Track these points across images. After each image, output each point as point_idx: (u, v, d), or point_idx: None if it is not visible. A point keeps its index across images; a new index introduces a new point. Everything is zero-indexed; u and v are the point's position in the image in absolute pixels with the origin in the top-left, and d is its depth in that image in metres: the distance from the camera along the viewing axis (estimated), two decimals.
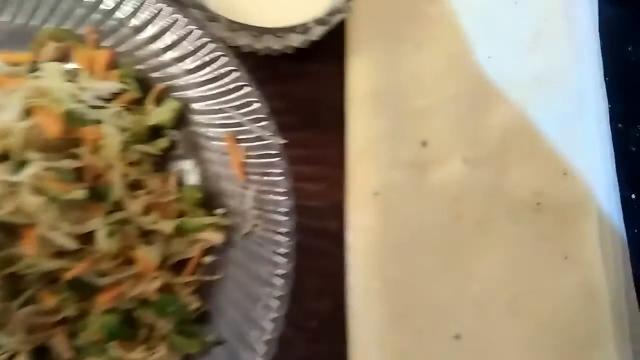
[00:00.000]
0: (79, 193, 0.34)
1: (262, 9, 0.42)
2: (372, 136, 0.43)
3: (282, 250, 0.37)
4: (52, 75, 0.40)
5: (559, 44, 0.47)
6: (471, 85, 0.45)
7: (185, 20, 0.42)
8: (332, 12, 0.40)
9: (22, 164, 0.34)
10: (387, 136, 0.43)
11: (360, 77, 0.44)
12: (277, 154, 0.40)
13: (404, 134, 0.44)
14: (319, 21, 0.39)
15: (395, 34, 0.46)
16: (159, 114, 0.41)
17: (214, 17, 0.39)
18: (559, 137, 0.45)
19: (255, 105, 0.40)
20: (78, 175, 0.36)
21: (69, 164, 0.35)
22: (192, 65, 0.42)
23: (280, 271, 0.36)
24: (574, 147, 0.44)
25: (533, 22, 0.47)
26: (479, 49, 0.46)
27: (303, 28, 0.39)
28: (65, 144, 0.37)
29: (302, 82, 0.46)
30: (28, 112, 0.36)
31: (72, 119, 0.37)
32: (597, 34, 0.48)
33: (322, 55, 0.46)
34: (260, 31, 0.39)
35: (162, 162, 0.41)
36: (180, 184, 0.41)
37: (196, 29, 0.41)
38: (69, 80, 0.40)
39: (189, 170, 0.41)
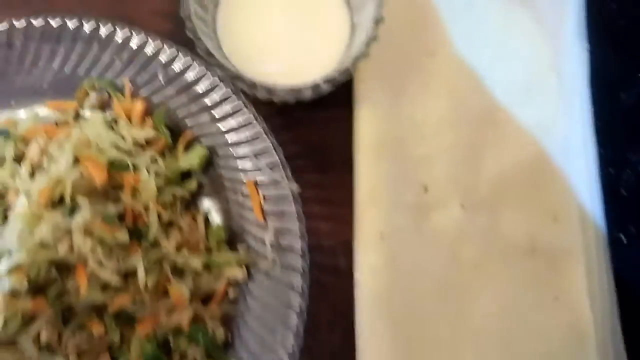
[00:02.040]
0: (122, 235, 0.40)
1: (277, 70, 0.48)
2: (378, 181, 0.48)
3: (298, 287, 0.42)
4: (95, 124, 0.45)
5: (549, 95, 0.52)
6: (467, 134, 0.50)
7: (211, 75, 0.47)
8: (341, 72, 0.45)
9: (73, 209, 0.40)
10: (391, 181, 0.48)
11: (367, 126, 0.50)
12: (293, 199, 0.45)
13: (407, 180, 0.49)
14: (329, 80, 0.45)
15: (398, 86, 0.51)
16: (188, 160, 0.47)
17: (235, 76, 0.45)
18: (549, 183, 0.49)
19: (273, 154, 0.46)
20: (120, 217, 0.42)
21: (113, 209, 0.41)
22: (217, 115, 0.48)
23: (296, 306, 0.42)
24: (564, 193, 0.49)
25: (525, 76, 0.52)
26: (473, 101, 0.51)
27: (313, 86, 0.45)
28: (109, 188, 0.43)
29: (315, 128, 0.51)
30: (76, 161, 0.42)
31: (114, 167, 0.43)
32: (588, 82, 0.53)
33: (333, 103, 0.50)
34: (275, 89, 0.44)
35: (190, 201, 0.47)
36: (207, 222, 0.46)
37: (221, 83, 0.47)
38: (110, 128, 0.46)
39: (214, 210, 0.47)
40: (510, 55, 0.53)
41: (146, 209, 0.43)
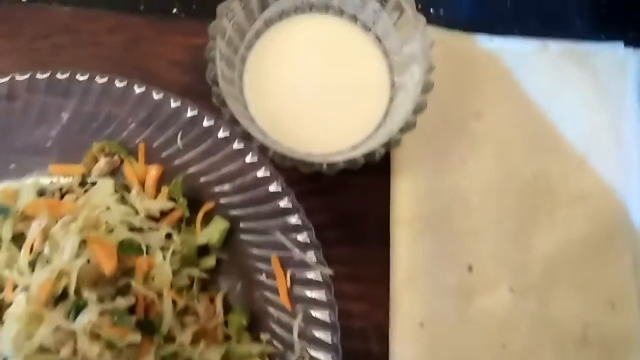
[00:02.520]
0: (134, 337, 0.35)
1: (309, 134, 0.43)
2: (417, 261, 0.44)
3: None
4: (104, 195, 0.41)
5: (607, 162, 0.48)
6: (517, 205, 0.46)
7: (235, 141, 0.43)
8: (382, 145, 0.40)
9: (78, 306, 0.35)
10: (432, 261, 0.44)
11: (405, 196, 0.45)
12: (325, 284, 0.41)
13: (449, 258, 0.44)
14: (368, 154, 0.40)
15: (440, 151, 0.47)
16: (208, 234, 0.42)
17: (263, 146, 0.40)
18: (607, 264, 0.45)
19: (303, 232, 0.41)
20: (130, 307, 0.37)
21: (123, 302, 0.37)
22: (240, 185, 0.43)
23: None
24: (623, 275, 0.45)
25: (580, 140, 0.48)
26: (524, 167, 0.47)
27: (350, 161, 0.40)
28: (118, 274, 0.38)
29: (347, 195, 0.47)
30: (82, 243, 0.37)
31: (125, 249, 0.38)
32: None
33: (368, 169, 0.44)
34: (307, 164, 0.40)
35: (209, 279, 0.42)
36: (226, 304, 0.42)
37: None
38: (121, 197, 0.42)
39: (235, 290, 0.42)
40: (564, 117, 0.48)
41: (159, 295, 0.39)
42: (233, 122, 0.39)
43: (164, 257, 0.40)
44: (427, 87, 0.40)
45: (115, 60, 0.47)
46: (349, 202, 0.47)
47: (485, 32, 0.50)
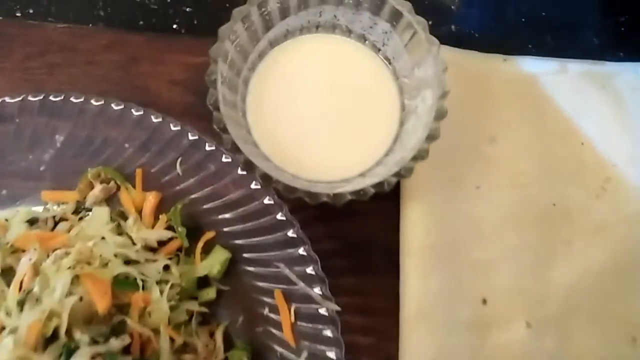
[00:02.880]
0: None
1: (315, 160, 0.41)
2: (429, 294, 0.42)
3: None
4: (99, 225, 0.39)
5: (628, 190, 0.46)
6: (534, 235, 0.44)
7: (238, 167, 0.41)
8: (393, 175, 0.38)
9: (69, 349, 0.33)
10: (444, 293, 0.42)
11: (416, 226, 0.43)
12: (329, 319, 0.38)
13: (463, 291, 0.42)
14: (378, 185, 0.38)
15: (453, 177, 0.44)
16: (208, 265, 0.40)
17: (265, 176, 0.38)
18: (628, 297, 0.43)
19: (309, 264, 0.39)
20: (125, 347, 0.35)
21: (117, 345, 0.34)
22: (244, 213, 0.41)
23: None
24: None
25: (603, 167, 0.46)
26: (541, 194, 0.45)
27: (357, 192, 0.37)
28: (113, 310, 0.36)
29: (354, 222, 0.44)
30: (75, 278, 0.35)
31: (120, 284, 0.36)
32: None
33: (376, 193, 0.44)
34: (313, 195, 0.38)
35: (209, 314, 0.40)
36: (227, 339, 0.40)
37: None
38: (117, 226, 0.40)
39: (236, 324, 0.40)
40: (583, 143, 0.46)
41: (156, 332, 0.37)
42: (234, 149, 0.37)
43: (162, 292, 0.38)
44: (440, 114, 0.37)
45: (112, 80, 0.45)
46: (355, 229, 0.44)
47: (500, 50, 0.48)
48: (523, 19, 0.51)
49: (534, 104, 0.46)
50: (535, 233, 0.44)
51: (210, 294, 0.40)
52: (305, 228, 0.40)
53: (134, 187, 0.42)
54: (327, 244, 0.43)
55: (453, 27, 0.50)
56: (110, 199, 0.42)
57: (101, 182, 0.42)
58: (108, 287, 0.35)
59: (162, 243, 0.41)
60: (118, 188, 0.42)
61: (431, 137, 0.37)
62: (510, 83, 0.46)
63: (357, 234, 0.44)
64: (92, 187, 0.41)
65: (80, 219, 0.41)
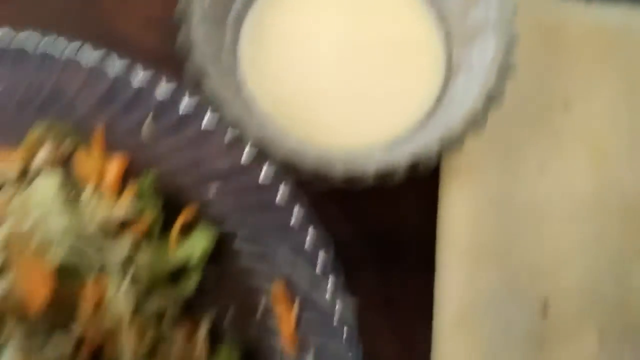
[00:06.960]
0: None
1: (329, 122, 0.35)
2: (474, 297, 0.36)
3: None
4: (45, 195, 0.32)
5: None
6: (614, 227, 0.37)
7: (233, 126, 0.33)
8: (439, 148, 0.30)
9: None
10: (494, 297, 0.36)
11: (460, 213, 0.37)
12: (344, 325, 0.31)
13: (518, 295, 0.36)
14: (415, 164, 0.30)
15: (511, 153, 0.38)
16: (187, 248, 0.34)
17: (260, 141, 0.31)
18: None
19: (319, 250, 0.32)
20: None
21: (60, 344, 0.28)
22: (236, 186, 0.34)
23: None
24: None
25: None
26: (627, 175, 0.38)
27: (383, 174, 0.31)
28: (56, 304, 0.29)
29: (379, 205, 0.39)
30: (6, 264, 0.28)
31: (66, 275, 0.29)
32: None
33: None
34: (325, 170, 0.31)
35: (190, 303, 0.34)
36: (213, 336, 0.33)
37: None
38: (71, 197, 0.33)
39: (225, 318, 0.34)
40: None
41: (116, 332, 0.30)
42: (218, 105, 0.30)
43: (123, 281, 0.31)
44: (505, 70, 0.31)
45: (70, 15, 0.39)
46: (380, 214, 0.39)
47: None
48: None
49: (620, 63, 0.40)
50: (617, 226, 0.38)
51: (189, 285, 0.34)
52: (315, 208, 0.34)
53: (93, 149, 0.35)
54: (344, 228, 0.38)
55: None
56: (64, 165, 0.35)
57: (53, 142, 0.34)
58: (49, 275, 0.29)
59: (128, 223, 0.34)
60: (74, 150, 0.35)
61: (491, 99, 0.30)
62: (592, 36, 0.40)
63: (381, 218, 0.39)
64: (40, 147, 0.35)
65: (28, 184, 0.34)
